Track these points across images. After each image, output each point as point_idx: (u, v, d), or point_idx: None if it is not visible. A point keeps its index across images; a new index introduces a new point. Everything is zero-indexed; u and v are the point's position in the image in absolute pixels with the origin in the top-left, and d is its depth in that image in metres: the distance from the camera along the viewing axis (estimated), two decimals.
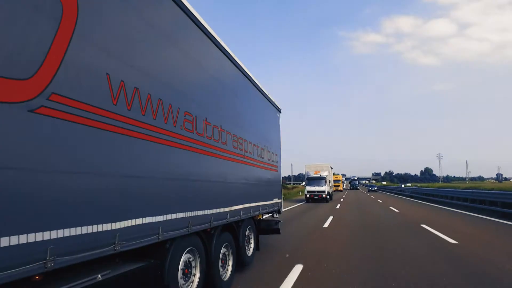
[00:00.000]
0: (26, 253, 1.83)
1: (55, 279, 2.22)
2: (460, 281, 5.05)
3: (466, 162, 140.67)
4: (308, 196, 26.51)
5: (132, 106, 2.78)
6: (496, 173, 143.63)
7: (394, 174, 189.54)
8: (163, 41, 3.39)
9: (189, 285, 3.78)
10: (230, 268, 4.93)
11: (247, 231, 6.00)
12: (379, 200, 28.62)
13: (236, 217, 5.10)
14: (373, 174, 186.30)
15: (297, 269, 5.72)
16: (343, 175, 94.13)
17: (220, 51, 4.86)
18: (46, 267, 1.94)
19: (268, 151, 7.34)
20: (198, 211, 3.84)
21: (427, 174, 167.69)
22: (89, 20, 2.36)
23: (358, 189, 72.84)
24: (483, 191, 20.27)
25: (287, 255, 6.86)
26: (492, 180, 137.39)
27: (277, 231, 7.46)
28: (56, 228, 2.03)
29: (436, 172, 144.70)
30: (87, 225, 2.27)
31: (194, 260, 3.93)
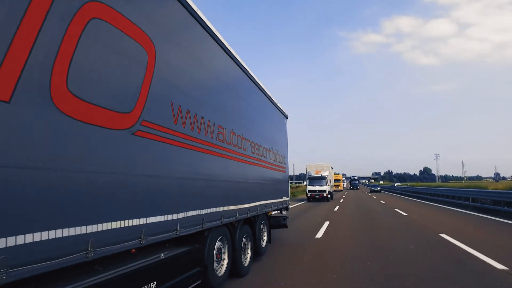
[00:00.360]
0: (128, 233, 2.66)
1: (137, 254, 3.05)
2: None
3: (462, 163, 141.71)
4: (309, 195, 27.35)
5: (185, 124, 3.60)
6: (494, 172, 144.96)
7: (393, 174, 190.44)
8: (210, 76, 4.29)
9: (220, 267, 4.61)
10: (249, 256, 5.75)
11: (262, 225, 6.82)
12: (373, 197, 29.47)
13: (254, 212, 5.92)
14: (372, 174, 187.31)
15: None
16: (343, 175, 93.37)
17: (245, 75, 5.82)
18: (141, 243, 2.77)
19: (278, 154, 8.17)
20: (228, 207, 4.67)
21: (426, 173, 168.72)
22: (161, 65, 3.18)
23: (358, 188, 72.29)
24: (452, 188, 26.64)
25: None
26: (490, 180, 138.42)
27: (285, 226, 8.29)
28: (148, 216, 2.87)
29: (434, 171, 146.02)
30: (165, 214, 3.12)
31: (223, 247, 4.76)
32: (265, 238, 7.06)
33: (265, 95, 7.21)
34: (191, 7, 3.79)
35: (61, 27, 2.08)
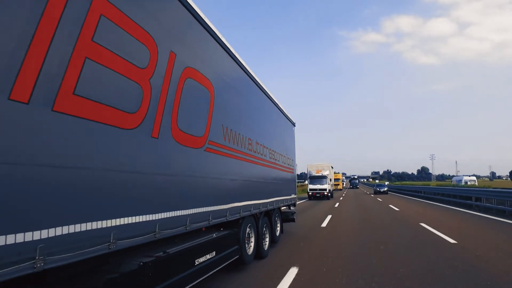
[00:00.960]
0: (177, 221, 4.01)
1: (203, 233, 4.39)
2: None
3: (456, 163, 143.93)
4: (310, 194, 28.82)
5: (229, 139, 4.94)
6: (490, 171, 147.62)
7: (392, 173, 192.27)
8: (243, 101, 5.67)
9: (249, 248, 5.97)
10: (267, 242, 7.10)
11: (276, 218, 8.18)
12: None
13: (271, 206, 7.29)
14: (372, 173, 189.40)
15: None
16: (343, 174, 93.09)
17: (267, 97, 7.29)
18: (186, 228, 4.13)
19: (288, 158, 9.53)
20: (255, 201, 6.03)
21: (423, 173, 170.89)
22: (218, 100, 4.53)
23: (358, 187, 71.36)
24: (427, 187, 32.31)
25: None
26: (486, 179, 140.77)
27: (293, 220, 9.65)
28: (213, 205, 4.22)
29: (431, 171, 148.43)
30: (222, 205, 4.52)
31: (251, 232, 6.12)
32: (278, 228, 8.42)
33: (279, 109, 8.57)
34: (231, 51, 5.14)
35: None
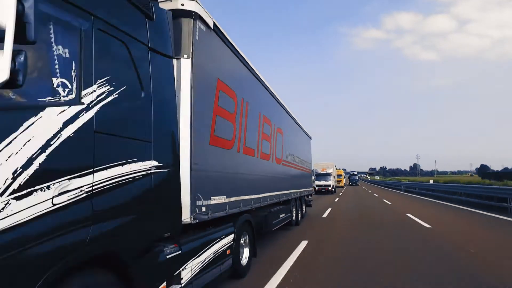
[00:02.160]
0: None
1: (279, 204, 8.42)
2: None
3: (435, 162, 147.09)
4: (317, 189, 32.82)
5: (288, 156, 8.99)
6: (476, 167, 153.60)
7: (387, 169, 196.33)
8: (288, 131, 9.73)
9: (293, 216, 10.27)
10: (300, 215, 11.44)
11: (302, 201, 12.36)
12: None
13: (300, 194, 11.54)
14: (369, 169, 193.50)
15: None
16: (344, 170, 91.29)
17: (298, 126, 11.62)
18: (287, 197, 8.63)
19: (307, 162, 13.99)
20: (295, 189, 10.42)
21: (415, 169, 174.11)
22: (286, 137, 8.55)
23: (358, 184, 68.60)
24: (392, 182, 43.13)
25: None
26: (469, 174, 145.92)
27: (310, 206, 14.11)
28: (272, 191, 8.71)
29: (423, 167, 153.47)
30: (288, 190, 9.18)
31: (293, 208, 10.40)
32: (304, 208, 12.72)
33: (303, 130, 12.88)
34: (276, 97, 9.28)
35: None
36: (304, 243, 7.69)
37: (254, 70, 6.29)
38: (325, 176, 33.19)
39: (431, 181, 42.01)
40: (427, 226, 10.40)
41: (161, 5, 3.39)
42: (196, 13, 3.73)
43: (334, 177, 36.29)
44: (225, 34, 4.72)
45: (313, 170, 36.55)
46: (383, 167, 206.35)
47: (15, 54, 1.70)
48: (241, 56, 5.50)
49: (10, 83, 1.70)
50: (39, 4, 1.84)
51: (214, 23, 4.27)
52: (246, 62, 5.79)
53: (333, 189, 33.44)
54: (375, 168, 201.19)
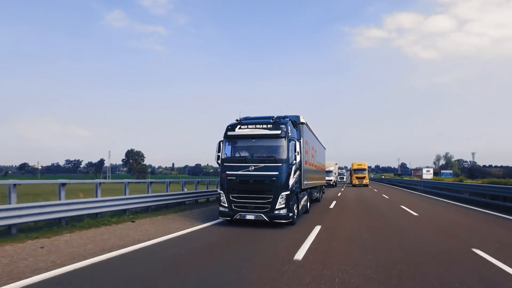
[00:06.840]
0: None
1: (318, 186, 16.75)
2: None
3: (398, 160, 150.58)
4: None
5: (313, 164, 16.91)
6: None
7: (380, 167, 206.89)
8: (316, 149, 18.27)
9: (319, 196, 19.32)
10: (319, 196, 20.02)
11: (321, 189, 21.05)
12: None
13: (321, 184, 20.23)
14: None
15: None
16: (345, 167, 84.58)
17: (320, 143, 20.43)
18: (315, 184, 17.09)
19: (323, 164, 22.25)
20: (320, 181, 19.06)
21: (402, 167, 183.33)
22: (316, 152, 17.50)
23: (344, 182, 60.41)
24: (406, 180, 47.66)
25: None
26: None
27: (323, 192, 22.52)
28: (314, 181, 16.97)
29: (408, 166, 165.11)
30: (317, 181, 17.98)
31: (318, 191, 19.18)
32: (323, 193, 21.52)
33: (322, 145, 21.06)
34: (316, 136, 17.54)
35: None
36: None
37: (312, 130, 15.40)
38: (328, 173, 41.80)
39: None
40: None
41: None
42: (304, 122, 12.62)
43: (335, 173, 46.19)
44: (307, 123, 13.48)
45: None
46: (377, 165, 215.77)
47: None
48: (311, 128, 14.40)
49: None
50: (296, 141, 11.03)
51: (305, 122, 13.02)
52: (312, 130, 14.78)
53: (334, 184, 43.33)
54: (370, 166, 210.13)
